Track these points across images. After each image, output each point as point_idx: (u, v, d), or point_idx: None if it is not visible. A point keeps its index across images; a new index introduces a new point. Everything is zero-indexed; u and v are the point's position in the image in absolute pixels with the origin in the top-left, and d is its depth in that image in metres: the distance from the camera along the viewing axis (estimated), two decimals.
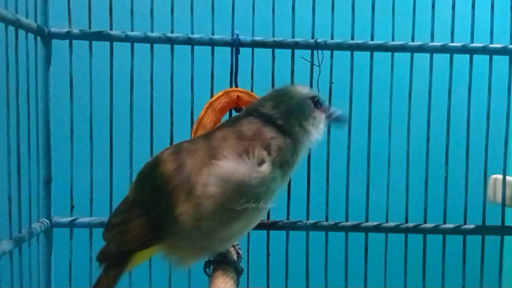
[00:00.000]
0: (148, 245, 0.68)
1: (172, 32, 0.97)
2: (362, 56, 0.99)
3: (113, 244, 0.68)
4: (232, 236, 0.71)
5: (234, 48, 0.97)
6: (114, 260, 0.68)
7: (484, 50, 0.98)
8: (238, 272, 0.77)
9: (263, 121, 0.74)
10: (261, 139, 0.71)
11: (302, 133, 0.75)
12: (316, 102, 0.78)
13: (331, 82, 0.97)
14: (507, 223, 1.01)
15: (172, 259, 0.70)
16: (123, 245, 0.67)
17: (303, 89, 0.78)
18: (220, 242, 0.71)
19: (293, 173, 0.77)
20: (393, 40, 0.98)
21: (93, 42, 0.96)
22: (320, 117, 0.78)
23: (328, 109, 0.80)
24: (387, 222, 1.00)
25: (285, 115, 0.75)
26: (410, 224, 1.00)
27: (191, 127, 0.96)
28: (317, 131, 0.77)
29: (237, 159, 0.68)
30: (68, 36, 0.96)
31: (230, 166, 0.67)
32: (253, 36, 0.98)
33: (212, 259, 0.77)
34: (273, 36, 0.98)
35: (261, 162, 0.69)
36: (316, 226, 1.00)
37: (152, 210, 0.68)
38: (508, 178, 1.00)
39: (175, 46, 0.97)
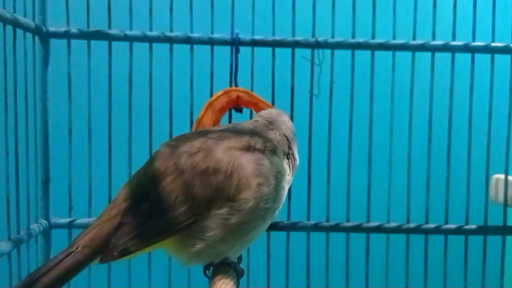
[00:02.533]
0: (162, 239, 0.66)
1: (171, 31, 0.96)
2: (363, 55, 0.99)
3: (130, 245, 0.64)
4: (253, 238, 0.71)
5: (234, 47, 0.97)
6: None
7: (485, 49, 0.98)
8: (239, 273, 0.76)
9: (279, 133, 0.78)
10: (280, 142, 0.75)
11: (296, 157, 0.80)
12: None
13: (331, 81, 0.97)
14: (509, 223, 1.00)
15: (180, 257, 0.69)
16: (141, 245, 0.64)
17: None
18: (241, 246, 0.71)
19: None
20: (394, 39, 0.98)
21: (92, 42, 0.96)
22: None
23: None
24: (388, 222, 1.00)
25: (290, 135, 0.80)
26: (412, 225, 1.00)
27: (191, 127, 0.95)
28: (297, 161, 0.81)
29: (277, 155, 0.71)
30: (66, 35, 0.96)
31: (275, 161, 0.69)
32: (253, 35, 0.98)
33: None
34: (273, 35, 0.98)
35: (284, 163, 0.73)
36: (317, 227, 0.99)
37: (175, 208, 0.65)
38: (510, 178, 1.00)
39: (174, 45, 0.97)
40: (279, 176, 0.70)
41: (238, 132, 0.72)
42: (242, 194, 0.66)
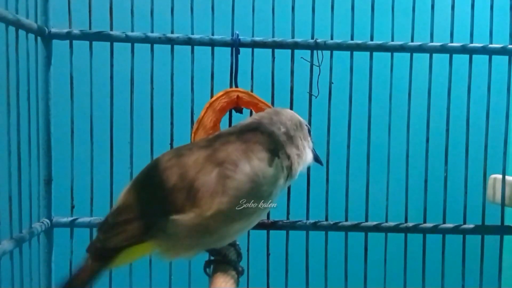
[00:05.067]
0: (139, 240, 0.68)
1: (172, 32, 0.97)
2: (361, 56, 0.99)
3: (109, 242, 0.67)
4: (231, 235, 0.71)
5: (234, 48, 0.97)
6: (102, 253, 0.68)
7: (483, 50, 0.98)
8: (238, 272, 0.77)
9: (271, 131, 0.76)
10: (270, 144, 0.73)
11: (301, 152, 0.79)
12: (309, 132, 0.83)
13: (330, 82, 0.97)
14: (506, 223, 1.01)
15: (166, 254, 0.71)
16: (120, 243, 0.67)
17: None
18: (219, 240, 0.71)
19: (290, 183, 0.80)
20: (392, 40, 0.98)
21: (94, 43, 0.97)
22: (310, 145, 0.82)
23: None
24: (386, 221, 1.00)
25: (291, 131, 0.78)
26: (410, 224, 1.00)
27: (191, 127, 0.96)
28: (306, 156, 0.80)
29: (251, 158, 0.70)
30: (69, 36, 0.96)
31: (248, 165, 0.69)
32: (253, 36, 0.98)
33: (212, 258, 0.77)
34: (273, 36, 0.98)
35: (271, 164, 0.71)
36: (316, 226, 1.00)
37: (149, 209, 0.68)
38: (507, 177, 1.00)
39: (175, 46, 0.97)
40: (254, 180, 0.69)
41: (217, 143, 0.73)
42: (200, 207, 0.67)
